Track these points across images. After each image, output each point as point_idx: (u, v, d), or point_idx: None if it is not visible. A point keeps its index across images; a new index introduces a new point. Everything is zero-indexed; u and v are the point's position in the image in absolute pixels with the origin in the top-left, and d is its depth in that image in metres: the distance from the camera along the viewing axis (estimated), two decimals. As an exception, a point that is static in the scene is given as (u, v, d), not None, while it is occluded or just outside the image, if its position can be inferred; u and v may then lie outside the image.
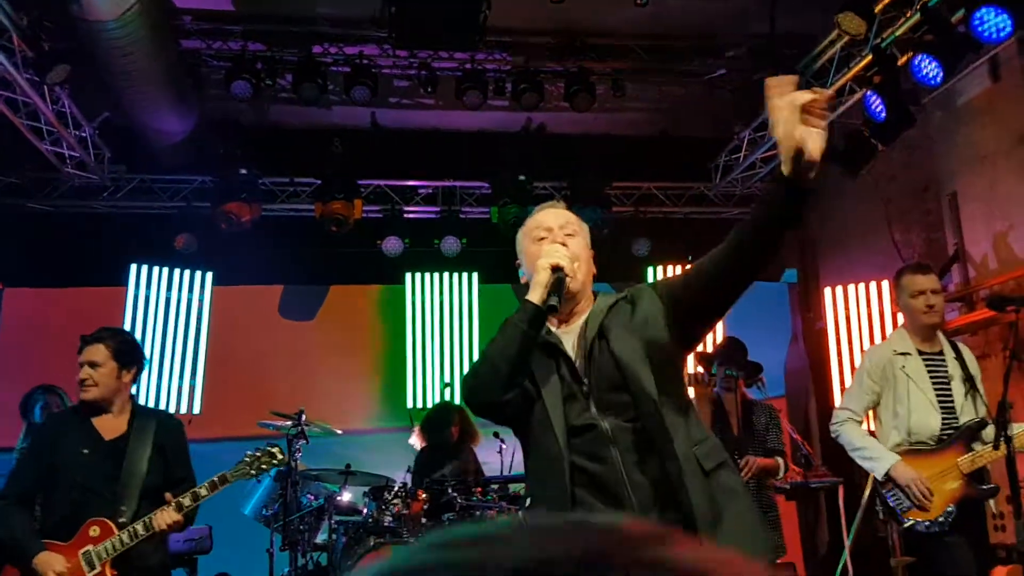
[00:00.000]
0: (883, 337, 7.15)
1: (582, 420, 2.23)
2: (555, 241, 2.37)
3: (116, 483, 3.44)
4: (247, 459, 3.62)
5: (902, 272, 4.07)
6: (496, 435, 6.03)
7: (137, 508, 3.43)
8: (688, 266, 2.37)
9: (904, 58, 5.78)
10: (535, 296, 2.22)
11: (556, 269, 2.24)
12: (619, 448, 2.20)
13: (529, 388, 2.30)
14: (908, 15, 5.61)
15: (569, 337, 2.36)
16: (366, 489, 5.25)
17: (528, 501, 2.47)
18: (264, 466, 3.63)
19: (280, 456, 3.67)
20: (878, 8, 5.71)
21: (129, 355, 3.64)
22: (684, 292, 2.29)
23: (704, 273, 2.24)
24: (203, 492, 3.46)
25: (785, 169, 1.91)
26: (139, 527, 3.37)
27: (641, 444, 2.19)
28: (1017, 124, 6.03)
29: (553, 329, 2.40)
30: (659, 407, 2.18)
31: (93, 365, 3.53)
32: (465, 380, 2.32)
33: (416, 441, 5.90)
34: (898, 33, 5.75)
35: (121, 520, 3.39)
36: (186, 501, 3.42)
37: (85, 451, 3.48)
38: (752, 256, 2.14)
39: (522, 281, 2.45)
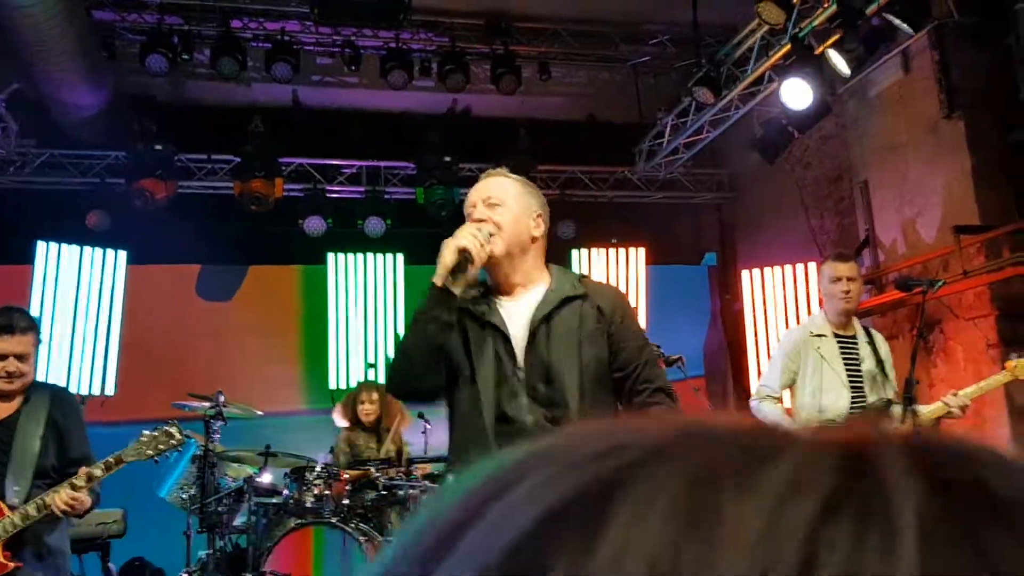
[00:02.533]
0: (798, 319, 7.38)
1: (511, 409, 2.23)
2: (476, 219, 2.34)
3: (6, 463, 3.29)
4: (144, 439, 3.45)
5: (826, 259, 4.27)
6: (421, 415, 6.02)
7: (30, 489, 3.29)
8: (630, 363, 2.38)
9: (821, 48, 5.95)
10: (438, 279, 2.22)
11: (461, 251, 2.22)
12: None
13: (462, 363, 2.29)
14: (826, 6, 5.77)
15: (514, 312, 2.34)
16: (287, 471, 5.18)
17: (450, 472, 2.48)
18: (162, 446, 3.46)
19: (179, 436, 3.50)
20: (796, -2, 5.86)
21: (39, 331, 3.48)
22: (615, 359, 2.34)
23: (623, 381, 2.35)
24: (97, 472, 3.27)
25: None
26: (31, 508, 3.22)
27: None
28: (927, 115, 6.27)
29: (498, 301, 2.37)
30: (581, 416, 2.17)
31: (22, 358, 3.33)
32: (387, 372, 2.36)
33: (338, 418, 5.84)
34: (816, 23, 5.91)
35: (12, 502, 3.25)
36: (79, 482, 3.25)
37: None
38: None
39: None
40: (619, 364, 2.32)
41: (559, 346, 2.25)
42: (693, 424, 0.28)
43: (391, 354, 8.37)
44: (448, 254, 2.20)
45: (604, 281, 2.57)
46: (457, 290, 2.25)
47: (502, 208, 2.36)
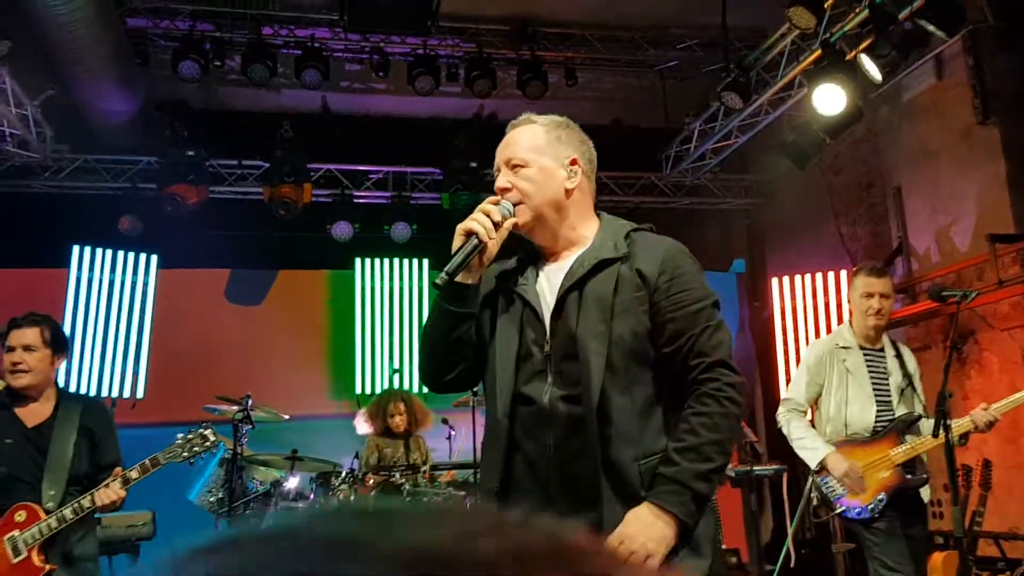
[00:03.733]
0: (828, 327, 7.30)
1: (530, 389, 2.00)
2: (497, 188, 2.10)
3: (41, 469, 3.36)
4: (179, 441, 3.54)
5: (859, 271, 4.15)
6: (445, 421, 6.03)
7: (64, 494, 3.35)
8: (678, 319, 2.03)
9: (852, 53, 5.88)
10: (449, 266, 2.01)
11: (469, 234, 2.01)
12: (555, 433, 1.96)
13: (487, 342, 2.10)
14: (857, 10, 5.71)
15: (554, 278, 2.09)
16: (313, 475, 5.21)
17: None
18: (196, 448, 3.54)
19: (212, 438, 3.58)
20: (828, 3, 5.80)
21: (61, 341, 3.56)
22: (661, 333, 2.02)
23: (673, 356, 2.02)
24: (133, 475, 3.37)
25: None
26: (68, 512, 3.29)
27: (578, 436, 1.93)
28: (960, 121, 6.18)
29: (540, 267, 2.14)
30: (607, 403, 1.92)
31: (28, 349, 3.42)
32: (419, 366, 2.21)
33: (361, 425, 5.86)
34: (847, 28, 5.85)
35: (48, 506, 3.31)
36: (116, 484, 3.34)
37: (8, 440, 3.39)
38: None
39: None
40: (666, 338, 1.99)
41: (587, 318, 1.97)
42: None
43: (416, 358, 8.39)
44: (456, 238, 2.02)
45: (661, 235, 2.16)
46: (471, 278, 2.04)
47: (527, 169, 2.08)
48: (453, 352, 2.09)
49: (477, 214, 2.02)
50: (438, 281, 2.01)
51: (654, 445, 1.94)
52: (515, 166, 2.08)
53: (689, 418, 1.95)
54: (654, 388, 1.99)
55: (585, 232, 2.14)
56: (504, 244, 2.09)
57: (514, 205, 2.06)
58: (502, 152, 2.13)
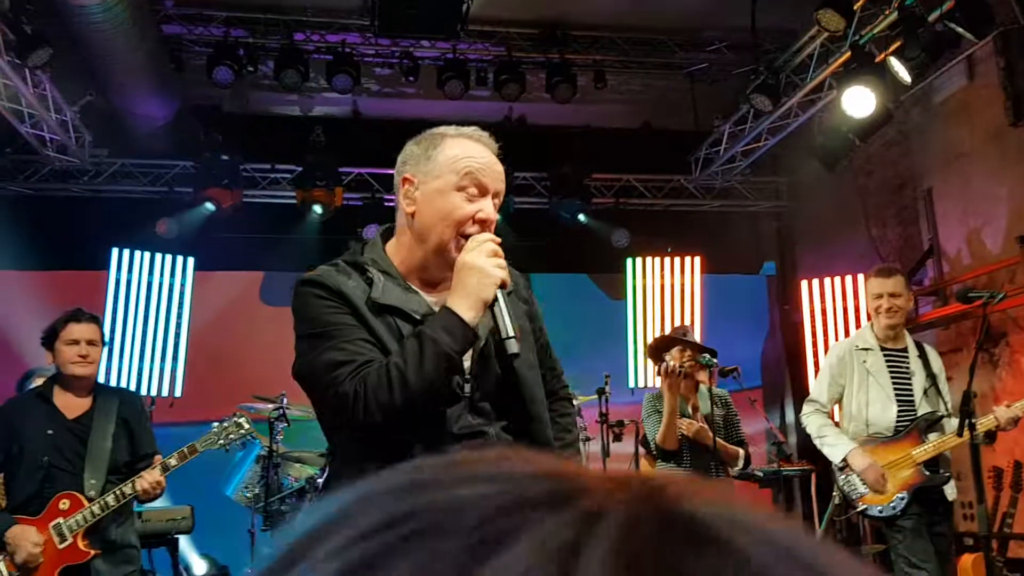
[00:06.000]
0: (858, 329, 7.28)
1: (461, 427, 1.83)
2: (487, 220, 1.85)
3: (82, 459, 3.50)
4: (215, 429, 3.70)
5: (870, 276, 4.23)
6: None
7: (104, 482, 3.49)
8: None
9: (882, 55, 5.87)
10: (469, 313, 1.74)
11: (501, 286, 1.78)
12: None
13: None
14: (887, 13, 5.70)
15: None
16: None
17: None
18: (232, 436, 3.69)
19: (247, 426, 3.73)
20: (857, 5, 5.79)
21: (104, 338, 3.72)
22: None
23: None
24: (172, 462, 3.54)
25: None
26: (110, 499, 3.42)
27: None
28: (992, 122, 6.15)
29: (422, 296, 1.89)
30: (541, 414, 1.95)
31: (92, 343, 3.58)
32: (366, 399, 1.69)
33: None
34: (877, 30, 5.84)
35: (90, 494, 3.44)
36: (157, 470, 3.49)
37: (49, 432, 3.52)
38: None
39: (405, 208, 1.90)
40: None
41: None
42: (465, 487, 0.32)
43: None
44: (489, 289, 1.76)
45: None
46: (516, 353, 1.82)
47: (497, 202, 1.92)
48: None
49: (499, 262, 1.80)
50: (518, 351, 1.78)
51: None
52: (497, 201, 1.91)
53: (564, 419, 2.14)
54: None
55: None
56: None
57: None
58: (494, 179, 1.90)
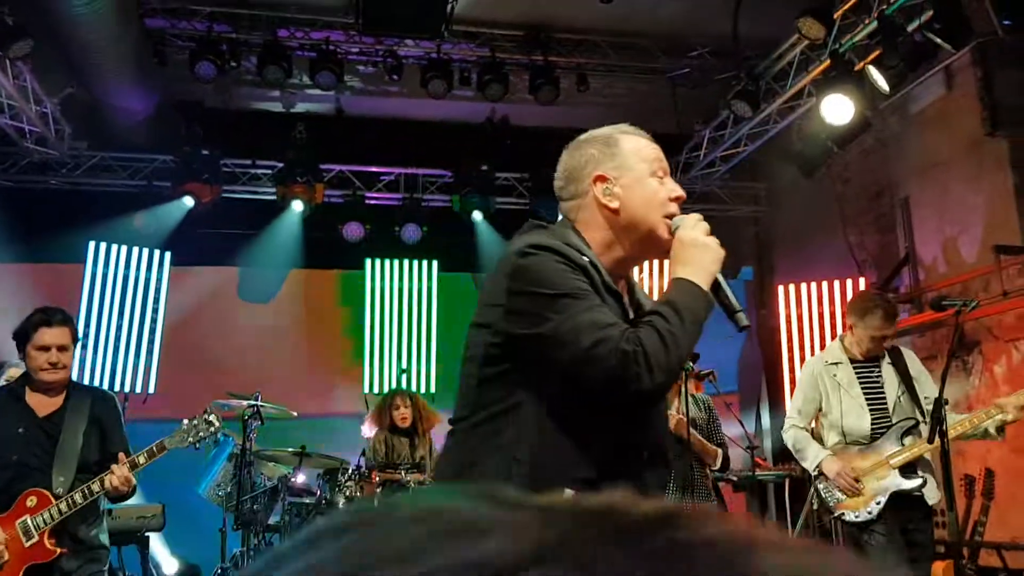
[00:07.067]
0: (834, 335, 7.33)
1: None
2: (681, 196, 1.91)
3: (51, 456, 3.45)
4: (184, 426, 3.64)
5: (872, 310, 4.08)
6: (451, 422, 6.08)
7: (73, 480, 3.45)
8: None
9: (861, 64, 5.93)
10: (706, 287, 1.80)
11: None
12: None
13: None
14: (867, 22, 5.75)
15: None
16: (320, 471, 5.27)
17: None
18: (202, 433, 3.63)
19: (217, 423, 3.67)
20: (837, 14, 5.85)
21: (77, 336, 3.66)
22: None
23: None
24: (141, 460, 3.47)
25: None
26: (77, 496, 3.38)
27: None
28: (969, 132, 6.21)
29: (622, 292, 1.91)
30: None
31: (63, 348, 3.51)
32: (647, 358, 1.65)
33: (367, 429, 5.92)
34: (856, 39, 5.90)
35: (58, 492, 3.41)
36: (124, 467, 3.43)
37: (20, 430, 3.48)
38: None
39: (608, 204, 1.89)
40: None
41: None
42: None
43: (423, 360, 8.49)
44: (717, 264, 1.82)
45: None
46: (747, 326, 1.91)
47: None
48: None
49: (715, 239, 1.85)
50: (748, 323, 1.88)
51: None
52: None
53: None
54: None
55: None
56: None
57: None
58: (664, 159, 1.97)
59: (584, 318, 1.68)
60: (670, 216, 1.88)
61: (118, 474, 3.40)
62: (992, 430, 3.87)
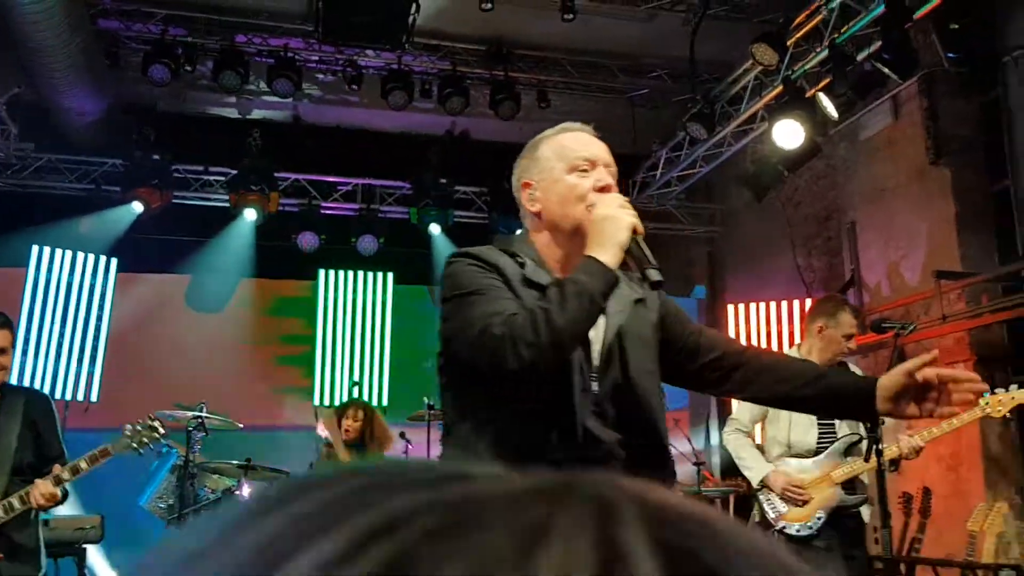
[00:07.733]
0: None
1: (585, 426, 1.87)
2: (606, 186, 1.89)
3: None
4: (127, 432, 3.56)
5: (841, 307, 4.11)
6: (402, 435, 6.05)
7: (8, 484, 3.35)
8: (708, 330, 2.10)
9: (812, 91, 6.06)
10: (610, 257, 1.75)
11: (634, 231, 1.81)
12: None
13: None
14: (818, 50, 5.89)
15: None
16: (266, 484, 5.20)
17: None
18: (145, 439, 3.56)
19: (161, 430, 3.61)
20: (790, 41, 5.98)
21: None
22: (686, 345, 2.02)
23: (728, 361, 2.02)
24: (83, 465, 3.37)
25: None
26: (15, 501, 3.29)
27: None
28: (915, 160, 6.38)
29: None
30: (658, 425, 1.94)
31: (2, 351, 3.42)
32: (514, 340, 1.67)
33: (321, 429, 5.84)
34: (808, 67, 6.03)
35: None
36: (65, 475, 3.34)
37: None
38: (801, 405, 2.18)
39: (531, 209, 1.96)
40: (699, 344, 2.10)
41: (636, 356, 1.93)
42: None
43: (374, 371, 8.44)
44: (622, 232, 1.78)
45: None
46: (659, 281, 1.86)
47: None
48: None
49: (630, 212, 1.83)
50: (660, 278, 1.81)
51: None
52: (606, 167, 1.94)
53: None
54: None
55: None
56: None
57: None
58: (601, 150, 1.96)
59: (477, 311, 1.76)
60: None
61: (43, 490, 3.29)
62: (887, 462, 3.84)
